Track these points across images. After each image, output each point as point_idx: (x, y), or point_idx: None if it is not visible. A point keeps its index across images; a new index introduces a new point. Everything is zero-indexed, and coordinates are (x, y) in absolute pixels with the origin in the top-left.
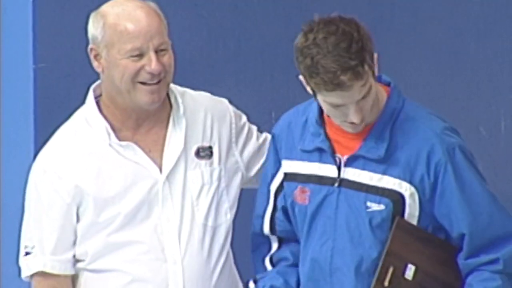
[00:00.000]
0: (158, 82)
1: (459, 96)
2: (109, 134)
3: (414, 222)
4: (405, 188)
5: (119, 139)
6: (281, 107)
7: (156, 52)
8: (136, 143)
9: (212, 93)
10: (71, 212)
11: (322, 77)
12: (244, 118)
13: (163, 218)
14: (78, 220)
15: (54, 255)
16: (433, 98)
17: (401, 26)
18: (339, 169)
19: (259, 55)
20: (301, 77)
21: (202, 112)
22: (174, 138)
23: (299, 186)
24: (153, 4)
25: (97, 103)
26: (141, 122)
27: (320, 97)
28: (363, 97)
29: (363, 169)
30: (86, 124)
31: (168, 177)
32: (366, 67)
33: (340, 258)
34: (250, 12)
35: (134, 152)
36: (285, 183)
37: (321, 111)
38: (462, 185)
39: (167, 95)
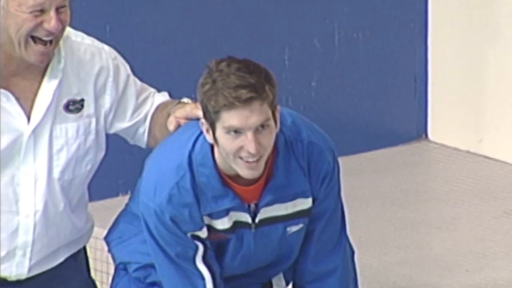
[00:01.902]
0: (51, 41)
1: (293, 9)
2: None
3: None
4: (311, 203)
5: None
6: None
7: (57, 9)
8: (8, 88)
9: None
10: None
11: (222, 93)
12: (125, 69)
13: (22, 171)
14: None
15: None
16: (268, 10)
17: None
18: (253, 215)
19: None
20: (201, 120)
21: (78, 63)
22: (46, 90)
23: (212, 233)
24: None
25: None
26: (22, 69)
27: (219, 126)
28: (262, 127)
29: (274, 203)
30: None
31: (34, 130)
32: (268, 92)
33: (263, 270)
34: None
35: (6, 99)
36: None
37: (218, 172)
38: (333, 187)
39: None
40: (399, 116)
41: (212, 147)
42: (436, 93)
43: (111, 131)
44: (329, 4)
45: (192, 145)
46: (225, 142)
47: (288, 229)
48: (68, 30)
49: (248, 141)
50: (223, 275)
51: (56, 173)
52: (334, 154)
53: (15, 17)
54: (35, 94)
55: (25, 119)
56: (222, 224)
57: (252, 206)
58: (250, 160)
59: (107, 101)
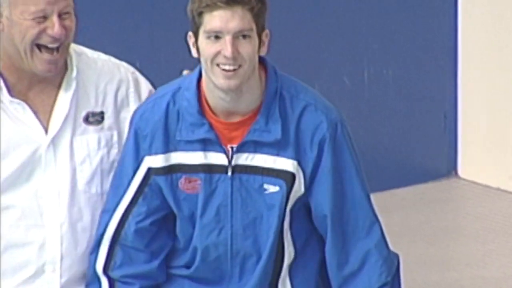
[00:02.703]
0: (58, 48)
1: (322, 47)
2: (1, 90)
3: (297, 201)
4: (295, 168)
5: (12, 95)
6: (146, 58)
7: (60, 15)
8: (26, 101)
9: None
10: None
11: None
12: (144, 84)
13: (44, 183)
14: None
15: None
16: (297, 48)
17: None
18: (228, 157)
19: (123, 3)
20: (189, 33)
21: (96, 76)
22: (63, 101)
23: (184, 176)
24: None
25: None
26: (35, 82)
27: (201, 32)
28: (243, 37)
29: (256, 152)
30: None
31: (53, 141)
32: (254, 4)
33: (240, 243)
34: None
35: (23, 111)
36: (164, 177)
37: (199, 100)
38: (339, 167)
39: None
40: (429, 153)
41: (200, 76)
42: (466, 130)
43: None
44: (359, 40)
45: (184, 80)
46: (205, 48)
47: (265, 186)
48: (84, 48)
49: (225, 45)
50: (199, 252)
51: (81, 185)
52: (338, 126)
53: (19, 25)
54: (53, 107)
55: (43, 130)
56: (195, 158)
57: (229, 149)
58: (227, 68)
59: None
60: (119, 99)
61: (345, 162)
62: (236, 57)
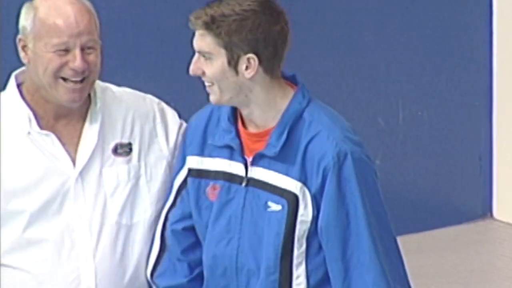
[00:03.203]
0: (82, 80)
1: (357, 88)
2: (30, 121)
3: (307, 227)
4: (299, 190)
5: (41, 127)
6: (180, 97)
7: (83, 49)
8: (54, 133)
9: (112, 83)
10: None
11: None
12: (171, 113)
13: (74, 215)
14: None
15: None
16: (332, 89)
17: (300, 19)
18: (246, 168)
19: (158, 45)
20: None
21: (122, 108)
22: (90, 133)
23: (211, 183)
24: (86, 2)
25: (19, 90)
26: (62, 115)
27: None
28: (203, 56)
29: (269, 168)
30: (7, 109)
31: (81, 173)
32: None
33: (245, 257)
34: (149, 2)
35: (52, 143)
36: (192, 179)
37: (234, 108)
38: (343, 197)
39: None
40: (464, 194)
41: None
42: (502, 172)
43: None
44: (394, 82)
45: None
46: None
47: (269, 203)
48: (108, 84)
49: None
50: (209, 258)
51: (112, 217)
52: (347, 157)
53: (42, 58)
54: (79, 139)
55: (71, 162)
56: (220, 165)
57: (249, 160)
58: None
59: (162, 146)
60: (146, 131)
61: (351, 195)
62: (199, 74)
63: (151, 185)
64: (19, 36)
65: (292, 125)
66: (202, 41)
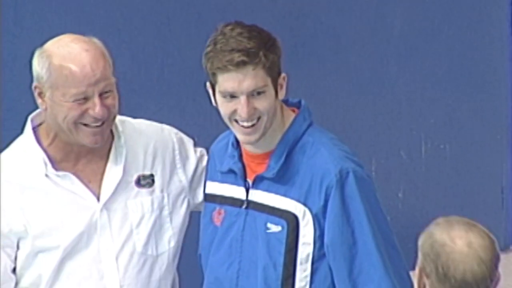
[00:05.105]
0: (102, 123)
1: (380, 121)
2: (46, 165)
3: (310, 249)
4: (299, 210)
5: (58, 169)
6: (204, 132)
7: (101, 94)
8: (75, 173)
9: (135, 118)
10: (9, 244)
11: (217, 55)
12: (188, 143)
13: (101, 247)
14: (18, 249)
15: None
16: (354, 122)
17: (323, 50)
18: (247, 191)
19: (182, 79)
20: (208, 84)
21: (142, 140)
22: (114, 168)
23: (217, 208)
24: (98, 43)
25: (36, 132)
26: (84, 154)
27: (217, 89)
28: (258, 93)
29: (268, 191)
30: (24, 154)
31: (106, 206)
32: (262, 58)
33: (245, 280)
34: (172, 37)
35: (71, 182)
36: (205, 204)
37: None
38: (348, 215)
39: None
40: (486, 227)
41: None
42: None
43: (198, 199)
44: (416, 115)
45: None
46: (221, 105)
47: (269, 225)
48: (124, 117)
49: (240, 105)
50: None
51: (138, 248)
52: (349, 175)
53: (60, 107)
54: (102, 175)
55: (94, 197)
56: (225, 189)
57: (249, 183)
58: (245, 124)
59: (181, 176)
60: (167, 162)
61: (356, 212)
62: (252, 114)
63: (173, 216)
64: (34, 84)
65: (291, 146)
66: (255, 78)
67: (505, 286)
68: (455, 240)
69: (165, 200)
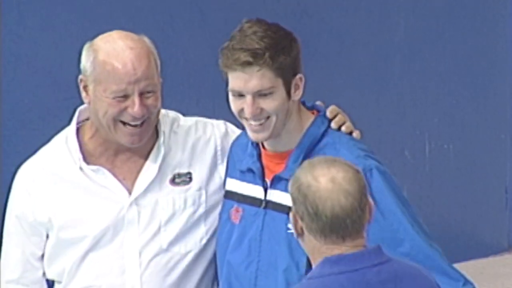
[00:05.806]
0: (141, 124)
1: (384, 121)
2: (80, 159)
3: None
4: None
5: (93, 163)
6: None
7: (142, 94)
8: (111, 169)
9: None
10: (35, 232)
11: (227, 52)
12: (234, 135)
13: (125, 242)
14: (47, 238)
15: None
16: (358, 121)
17: (327, 50)
18: (265, 191)
19: (185, 80)
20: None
21: (182, 137)
22: (151, 167)
23: (235, 205)
24: (147, 43)
25: (80, 126)
26: (123, 150)
27: (229, 86)
28: (265, 95)
29: (286, 191)
30: (65, 145)
31: (136, 201)
32: (268, 59)
33: (264, 280)
34: (175, 36)
35: (104, 176)
36: (224, 200)
37: None
38: (382, 209)
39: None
40: (490, 227)
41: None
42: None
43: None
44: (420, 115)
45: None
46: (231, 102)
47: (289, 225)
48: (177, 115)
49: (246, 105)
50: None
51: (164, 244)
52: (373, 172)
53: (101, 102)
54: (138, 172)
55: (126, 192)
56: (244, 188)
57: (267, 183)
58: (252, 123)
59: (222, 172)
60: (207, 158)
61: (389, 205)
62: (258, 114)
63: (209, 214)
64: (80, 76)
65: (310, 147)
66: (261, 79)
67: (509, 285)
68: (318, 179)
69: (202, 197)
